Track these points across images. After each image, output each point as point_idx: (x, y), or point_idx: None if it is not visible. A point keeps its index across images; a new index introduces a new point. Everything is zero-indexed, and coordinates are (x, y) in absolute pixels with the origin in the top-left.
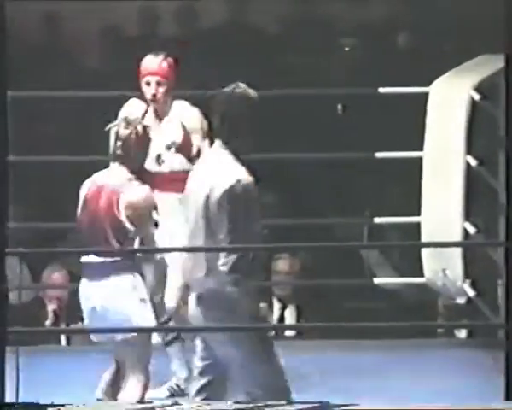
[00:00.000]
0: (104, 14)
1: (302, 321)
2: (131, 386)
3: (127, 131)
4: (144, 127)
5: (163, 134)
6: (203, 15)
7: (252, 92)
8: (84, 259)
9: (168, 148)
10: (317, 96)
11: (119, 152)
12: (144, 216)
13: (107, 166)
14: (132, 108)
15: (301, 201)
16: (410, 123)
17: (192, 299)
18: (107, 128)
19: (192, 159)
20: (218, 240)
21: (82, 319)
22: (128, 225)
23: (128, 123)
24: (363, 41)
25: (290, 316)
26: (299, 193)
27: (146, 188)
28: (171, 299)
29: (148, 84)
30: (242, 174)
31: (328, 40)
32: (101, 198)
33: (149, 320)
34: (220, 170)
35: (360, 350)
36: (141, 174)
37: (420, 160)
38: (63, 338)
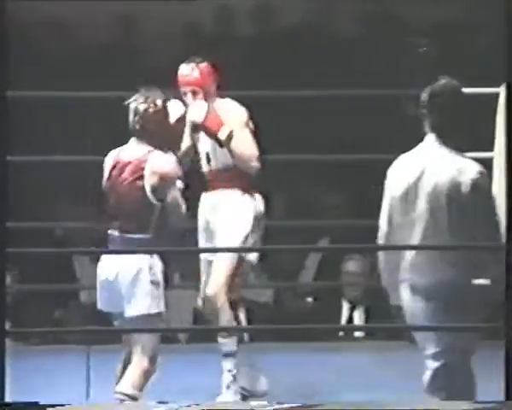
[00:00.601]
0: (177, 14)
1: (371, 322)
2: (131, 371)
3: (144, 106)
4: (163, 102)
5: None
6: (276, 15)
7: (458, 85)
8: (109, 231)
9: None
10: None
11: (137, 127)
12: (169, 184)
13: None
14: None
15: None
16: (481, 123)
17: (407, 292)
18: (125, 103)
19: (221, 142)
20: (473, 235)
21: None
22: (151, 195)
23: (146, 98)
24: (437, 41)
25: (359, 317)
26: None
27: (169, 156)
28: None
29: (185, 94)
30: (477, 166)
31: (402, 40)
32: (125, 171)
33: (154, 305)
34: (454, 163)
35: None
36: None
37: (490, 160)
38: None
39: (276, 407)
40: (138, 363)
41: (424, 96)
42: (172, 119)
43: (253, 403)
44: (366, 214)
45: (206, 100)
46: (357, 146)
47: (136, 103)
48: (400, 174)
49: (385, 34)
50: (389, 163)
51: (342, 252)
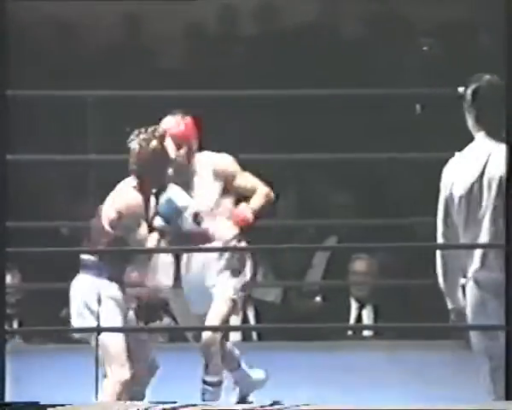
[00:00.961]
0: (183, 14)
1: (380, 321)
2: (107, 383)
3: (138, 146)
4: (161, 141)
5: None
6: (281, 15)
7: (498, 80)
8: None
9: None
10: (395, 95)
11: (132, 166)
12: (130, 221)
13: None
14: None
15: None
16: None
17: (473, 291)
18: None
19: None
20: None
21: (161, 318)
22: (108, 228)
23: (142, 138)
24: (442, 40)
25: (367, 316)
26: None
27: (135, 194)
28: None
29: (170, 144)
30: None
31: (408, 39)
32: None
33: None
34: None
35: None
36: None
37: None
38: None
39: (276, 407)
40: (111, 373)
41: (469, 93)
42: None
43: (253, 403)
44: (374, 213)
45: (189, 152)
46: (362, 145)
47: (132, 143)
48: (459, 173)
49: (390, 34)
50: (398, 162)
51: (350, 251)
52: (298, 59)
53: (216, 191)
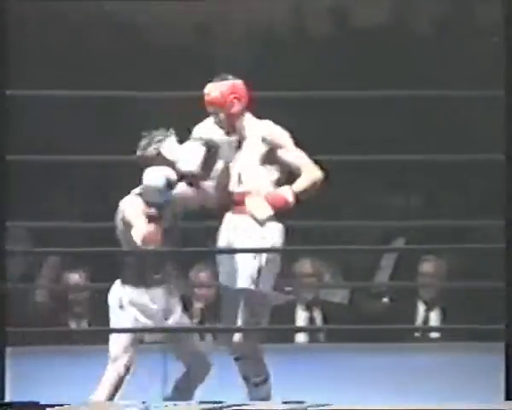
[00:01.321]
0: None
1: (446, 324)
2: (101, 384)
3: (139, 153)
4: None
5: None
6: (353, 15)
7: None
8: None
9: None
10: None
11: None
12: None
13: None
14: (205, 129)
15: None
16: None
17: None
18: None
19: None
20: None
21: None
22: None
23: (143, 147)
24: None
25: (435, 318)
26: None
27: (136, 198)
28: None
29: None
30: None
31: (477, 39)
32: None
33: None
34: None
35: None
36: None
37: None
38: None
39: (275, 407)
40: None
41: None
42: (172, 159)
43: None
44: (442, 215)
45: (228, 119)
46: (431, 146)
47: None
48: None
49: (461, 34)
50: (462, 164)
51: (418, 253)
52: (368, 59)
53: (259, 158)
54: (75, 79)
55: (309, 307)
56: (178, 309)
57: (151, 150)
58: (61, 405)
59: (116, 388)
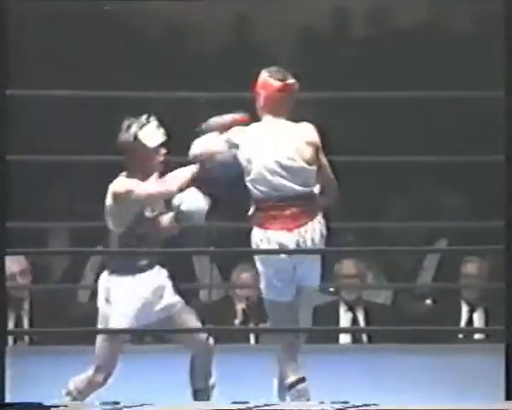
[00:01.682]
0: (293, 14)
1: (490, 325)
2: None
3: (121, 138)
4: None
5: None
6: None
7: None
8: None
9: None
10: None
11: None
12: (124, 204)
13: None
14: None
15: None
16: None
17: None
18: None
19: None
20: None
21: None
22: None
23: (123, 132)
24: None
25: (478, 319)
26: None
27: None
28: None
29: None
30: None
31: None
32: None
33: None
34: None
35: None
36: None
37: None
38: (252, 337)
39: (275, 407)
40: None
41: None
42: (150, 146)
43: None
44: (484, 216)
45: (265, 106)
46: (472, 147)
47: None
48: None
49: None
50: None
51: (461, 253)
52: (409, 60)
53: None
54: (75, 79)
55: (352, 308)
56: (169, 286)
57: (129, 135)
58: (63, 405)
59: (92, 390)
